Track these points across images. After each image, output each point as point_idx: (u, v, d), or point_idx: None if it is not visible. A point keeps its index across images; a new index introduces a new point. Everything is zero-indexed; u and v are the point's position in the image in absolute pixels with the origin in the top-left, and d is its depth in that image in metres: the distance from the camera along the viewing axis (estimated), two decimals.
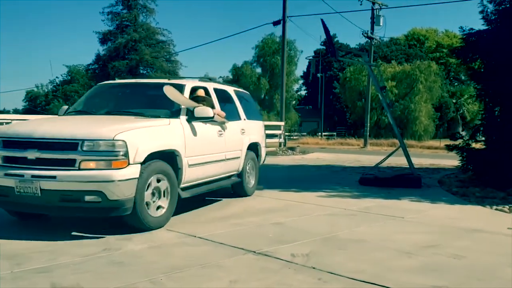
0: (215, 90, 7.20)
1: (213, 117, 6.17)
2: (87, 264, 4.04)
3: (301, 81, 61.08)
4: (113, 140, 4.79)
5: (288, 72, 39.54)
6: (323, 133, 47.36)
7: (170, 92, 6.05)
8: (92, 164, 4.75)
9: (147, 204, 5.19)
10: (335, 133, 48.40)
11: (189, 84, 6.62)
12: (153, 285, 3.55)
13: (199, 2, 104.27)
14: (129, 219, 5.07)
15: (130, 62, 46.65)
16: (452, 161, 12.80)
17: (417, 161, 13.79)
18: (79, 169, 4.74)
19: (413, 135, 40.17)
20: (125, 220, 5.08)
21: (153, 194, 5.30)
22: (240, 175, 7.61)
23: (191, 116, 6.04)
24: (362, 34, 29.20)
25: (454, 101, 51.60)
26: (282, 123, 22.46)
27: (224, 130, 6.88)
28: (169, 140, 5.59)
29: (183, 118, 5.97)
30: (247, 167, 7.86)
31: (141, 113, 6.00)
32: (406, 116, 41.04)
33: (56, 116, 6.53)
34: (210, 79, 8.14)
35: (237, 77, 46.14)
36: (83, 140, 4.78)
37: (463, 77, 54.11)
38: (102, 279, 3.66)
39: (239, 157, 7.44)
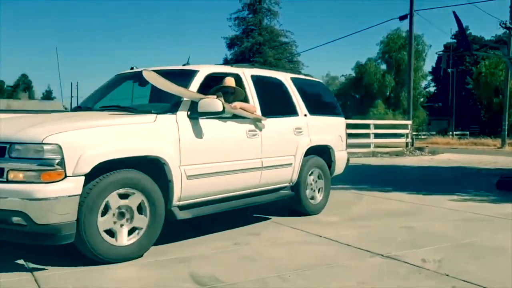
0: (254, 78, 5.67)
1: (222, 111, 4.67)
2: (220, 257, 4.30)
3: (429, 77, 57.95)
4: (41, 143, 3.66)
5: (416, 68, 37.60)
6: (455, 132, 44.62)
7: (152, 78, 4.77)
8: (21, 175, 3.67)
9: (107, 229, 3.98)
10: (467, 132, 45.30)
11: (204, 70, 5.12)
12: (282, 281, 3.66)
13: (321, 1, 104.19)
14: (78, 246, 3.89)
15: None
16: None
17: None
18: (7, 181, 3.68)
19: None
20: (75, 246, 3.92)
21: (121, 215, 4.07)
22: (295, 187, 6.04)
23: (195, 111, 4.65)
24: (500, 24, 26.82)
25: None
26: (409, 122, 21.67)
27: (259, 130, 5.37)
28: (149, 143, 4.28)
29: (181, 114, 4.59)
30: (308, 177, 6.22)
31: (133, 108, 4.96)
32: None
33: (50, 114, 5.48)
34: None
35: (360, 74, 45.27)
36: (11, 144, 3.73)
37: None
38: (234, 272, 3.87)
39: (290, 164, 5.85)
